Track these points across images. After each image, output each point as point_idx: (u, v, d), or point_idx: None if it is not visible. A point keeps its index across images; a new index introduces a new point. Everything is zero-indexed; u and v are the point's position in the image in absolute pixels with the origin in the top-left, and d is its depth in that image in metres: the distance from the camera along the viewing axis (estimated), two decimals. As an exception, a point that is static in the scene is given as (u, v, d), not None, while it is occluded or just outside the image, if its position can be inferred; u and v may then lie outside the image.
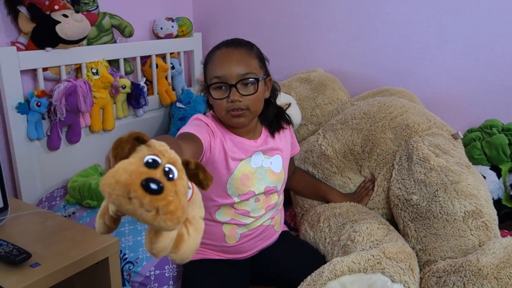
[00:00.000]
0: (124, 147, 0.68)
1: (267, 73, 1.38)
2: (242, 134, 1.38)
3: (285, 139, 1.50)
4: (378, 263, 1.18)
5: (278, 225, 1.52)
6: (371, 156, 1.62)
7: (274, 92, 1.48)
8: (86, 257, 1.25)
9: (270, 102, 1.44)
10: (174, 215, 0.65)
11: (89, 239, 1.33)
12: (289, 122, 1.52)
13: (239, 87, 1.27)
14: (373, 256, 1.20)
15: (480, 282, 1.09)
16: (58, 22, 1.82)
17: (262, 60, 1.37)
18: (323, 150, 1.70)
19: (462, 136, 1.64)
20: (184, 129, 1.23)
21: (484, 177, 1.74)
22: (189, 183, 0.75)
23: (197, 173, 0.72)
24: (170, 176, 0.67)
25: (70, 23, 1.84)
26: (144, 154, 0.67)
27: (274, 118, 1.45)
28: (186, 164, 0.72)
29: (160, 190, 0.64)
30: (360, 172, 1.65)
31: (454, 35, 2.04)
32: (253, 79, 1.29)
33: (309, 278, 1.22)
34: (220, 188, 1.35)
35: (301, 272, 1.28)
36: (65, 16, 1.84)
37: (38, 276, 1.15)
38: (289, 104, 1.99)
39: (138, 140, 0.69)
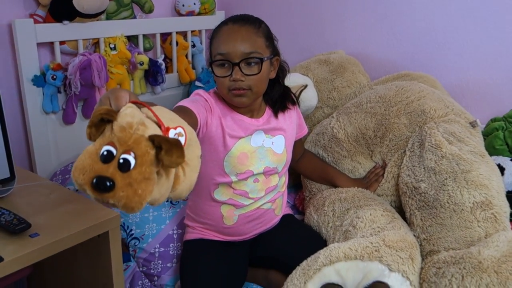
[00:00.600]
0: (92, 129, 0.75)
1: (274, 53, 1.34)
2: (243, 112, 1.35)
3: (290, 119, 1.46)
4: (376, 250, 1.14)
5: (279, 209, 1.49)
6: (383, 141, 1.57)
7: (283, 72, 1.43)
8: (86, 230, 1.26)
9: (276, 81, 1.40)
10: (128, 207, 0.70)
11: (91, 212, 1.33)
12: (294, 102, 1.48)
13: (242, 66, 1.24)
14: (372, 243, 1.16)
15: (479, 275, 1.04)
16: (75, -5, 1.83)
17: (269, 38, 1.33)
18: (334, 133, 1.66)
19: (480, 125, 1.57)
20: (181, 103, 1.21)
21: (504, 168, 1.67)
22: (181, 129, 0.78)
23: (160, 152, 0.72)
24: (125, 168, 0.70)
25: (87, -3, 1.84)
26: (102, 143, 0.71)
27: (278, 98, 1.42)
28: (152, 141, 0.73)
29: (110, 188, 0.69)
30: (371, 157, 1.60)
31: (482, 19, 1.94)
32: (257, 59, 1.25)
33: (304, 263, 1.19)
34: (217, 166, 1.33)
35: (300, 257, 1.25)
36: (83, -11, 1.84)
37: (36, 246, 1.15)
38: (306, 86, 1.96)
39: (103, 120, 0.73)
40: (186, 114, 1.14)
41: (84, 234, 1.26)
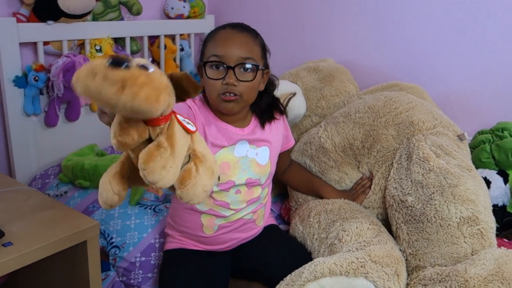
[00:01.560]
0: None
1: (266, 66, 1.33)
2: (229, 121, 1.32)
3: (277, 131, 1.43)
4: (361, 266, 1.12)
5: (260, 219, 1.46)
6: (370, 152, 1.55)
7: (272, 84, 1.42)
8: (62, 239, 1.22)
9: (265, 92, 1.38)
10: (141, 89, 0.61)
11: (69, 220, 1.29)
12: (282, 112, 1.45)
13: (237, 71, 1.21)
14: (358, 258, 1.14)
15: (465, 295, 1.02)
16: (60, -5, 1.79)
17: (264, 50, 1.32)
18: (322, 142, 1.64)
19: (468, 138, 1.55)
20: None
21: (490, 182, 1.66)
22: (191, 124, 0.76)
23: (184, 85, 0.71)
24: (143, 69, 0.65)
25: (73, -3, 1.80)
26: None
27: (266, 108, 1.39)
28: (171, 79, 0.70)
29: (126, 66, 0.63)
30: (358, 168, 1.58)
31: (472, 32, 1.94)
32: (253, 65, 1.23)
33: (288, 277, 1.16)
34: None
35: (283, 269, 1.23)
36: (68, -11, 1.80)
37: (8, 256, 1.11)
38: (294, 94, 1.93)
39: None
40: None
41: (60, 244, 1.22)
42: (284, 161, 1.56)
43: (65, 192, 1.84)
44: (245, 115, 1.36)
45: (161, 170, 0.69)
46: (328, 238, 1.35)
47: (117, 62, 0.63)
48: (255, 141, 1.36)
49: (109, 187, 0.77)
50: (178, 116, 0.77)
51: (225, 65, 1.21)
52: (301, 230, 1.48)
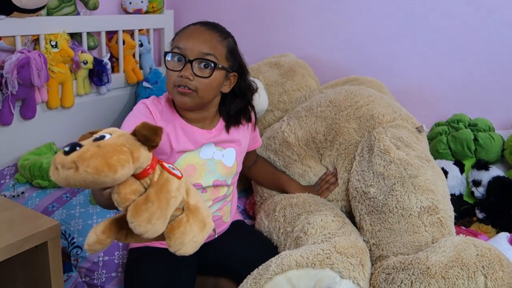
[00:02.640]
0: None
1: (234, 68, 1.30)
2: (195, 123, 1.31)
3: (244, 133, 1.42)
4: (327, 258, 1.14)
5: (227, 216, 1.46)
6: (333, 145, 1.57)
7: (250, 90, 1.41)
8: (21, 241, 1.18)
9: (239, 96, 1.37)
10: (90, 162, 0.68)
11: (28, 221, 1.25)
12: (249, 120, 1.44)
13: (194, 65, 1.20)
14: (323, 250, 1.16)
15: (428, 281, 1.06)
16: (13, -11, 1.72)
17: (232, 52, 1.29)
18: (285, 137, 1.65)
19: (426, 130, 1.60)
20: (126, 124, 1.21)
21: (447, 172, 1.72)
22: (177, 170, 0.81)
23: (144, 135, 0.75)
24: (100, 139, 0.73)
25: (26, -9, 1.74)
26: None
27: (235, 113, 1.37)
28: (134, 134, 0.76)
29: (78, 147, 0.70)
30: (320, 161, 1.60)
31: (426, 28, 2.00)
32: (211, 62, 1.21)
33: (255, 271, 1.17)
34: None
35: (251, 264, 1.23)
36: (21, -17, 1.74)
37: (-37, 259, 1.07)
38: (256, 89, 1.94)
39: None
40: None
41: (19, 246, 1.18)
42: (251, 158, 1.56)
43: (22, 193, 1.78)
44: (212, 117, 1.34)
45: (147, 223, 0.74)
46: (293, 232, 1.36)
47: (71, 147, 0.70)
48: (222, 143, 1.35)
49: (93, 233, 0.82)
50: (165, 164, 0.81)
51: (184, 58, 1.20)
52: (267, 225, 1.48)
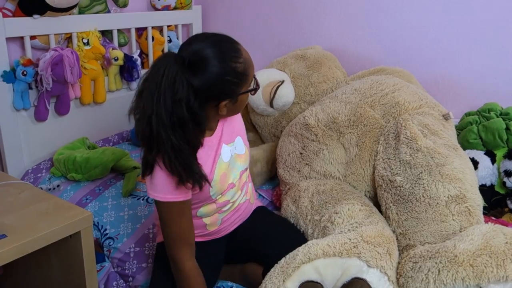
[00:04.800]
0: None
1: None
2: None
3: (235, 117, 1.39)
4: (354, 247, 1.14)
5: (252, 196, 1.48)
6: (356, 125, 1.55)
7: None
8: (56, 231, 1.22)
9: None
10: None
11: (62, 212, 1.29)
12: None
13: None
14: (350, 239, 1.16)
15: (455, 269, 1.04)
16: (46, -11, 1.78)
17: None
18: (306, 120, 1.66)
19: (453, 117, 1.57)
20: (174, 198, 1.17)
21: (478, 162, 1.68)
22: None
23: None
24: None
25: (58, -10, 1.80)
26: None
27: None
28: None
29: None
30: (338, 139, 1.57)
31: (456, 15, 1.95)
32: None
33: (282, 260, 1.18)
34: (204, 197, 1.27)
35: (278, 246, 1.26)
36: (53, -18, 1.80)
37: (3, 248, 1.12)
38: (282, 82, 1.95)
39: None
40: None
41: (54, 235, 1.22)
42: None
43: (58, 186, 1.84)
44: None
45: None
46: (321, 221, 1.37)
47: None
48: (228, 138, 1.33)
49: None
50: None
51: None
52: (294, 210, 1.49)
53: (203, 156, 1.22)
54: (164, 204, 1.16)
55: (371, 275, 1.13)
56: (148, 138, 1.08)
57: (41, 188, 1.82)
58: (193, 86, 1.08)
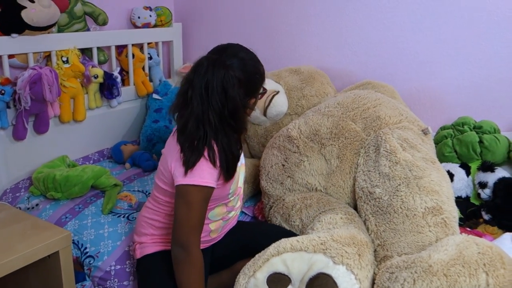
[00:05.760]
0: None
1: None
2: None
3: None
4: (322, 244, 1.18)
5: (239, 209, 1.55)
6: (338, 137, 1.59)
7: None
8: (34, 251, 1.22)
9: None
10: None
11: (40, 232, 1.29)
12: None
13: None
14: (319, 237, 1.20)
15: (430, 279, 1.06)
16: (24, 7, 1.78)
17: None
18: (288, 132, 1.69)
19: (432, 132, 1.62)
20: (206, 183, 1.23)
21: (453, 175, 1.72)
22: None
23: None
24: None
25: (37, 9, 1.80)
26: None
27: None
28: None
29: None
30: (319, 150, 1.60)
31: (431, 32, 2.01)
32: None
33: (256, 255, 1.23)
34: (223, 194, 1.34)
35: (273, 235, 1.31)
36: (32, 1, 1.80)
37: (-21, 269, 1.11)
38: (277, 92, 1.99)
39: None
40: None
41: (32, 255, 1.22)
42: None
43: (37, 205, 1.83)
44: None
45: None
46: (306, 230, 1.43)
47: None
48: None
49: None
50: None
51: None
52: (288, 229, 1.54)
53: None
54: (196, 188, 1.22)
55: (336, 272, 1.15)
56: (195, 132, 1.21)
57: (20, 208, 1.81)
58: (240, 79, 1.24)
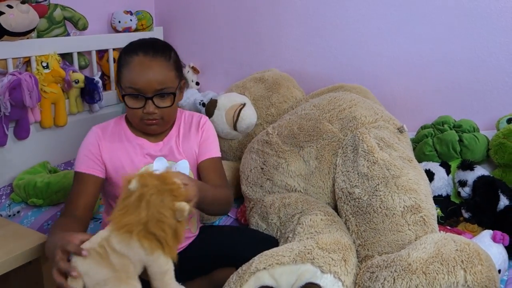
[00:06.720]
0: None
1: (181, 77, 1.35)
2: (146, 136, 1.34)
3: (196, 141, 1.40)
4: (308, 253, 1.17)
5: (194, 227, 1.45)
6: (316, 139, 1.60)
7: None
8: (15, 257, 1.20)
9: None
10: None
11: (22, 238, 1.28)
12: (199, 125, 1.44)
13: (155, 100, 1.24)
14: (305, 247, 1.20)
15: (409, 277, 1.08)
16: (2, 13, 1.77)
17: (179, 68, 1.32)
18: (266, 135, 1.71)
19: (407, 130, 1.64)
20: (77, 168, 1.31)
21: (434, 174, 1.74)
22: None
23: None
24: None
25: (15, 14, 1.79)
26: None
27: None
28: None
29: None
30: (298, 152, 1.61)
31: (411, 33, 2.04)
32: (170, 93, 1.27)
33: (239, 269, 1.20)
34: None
35: (251, 241, 1.34)
36: (10, 7, 1.79)
37: (-42, 276, 1.10)
38: (244, 104, 1.99)
39: None
40: (89, 183, 1.29)
41: (13, 261, 1.20)
42: (210, 176, 1.38)
43: (18, 212, 1.81)
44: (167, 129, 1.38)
45: None
46: (286, 233, 1.41)
47: None
48: (172, 155, 1.35)
49: None
50: None
51: (144, 96, 1.23)
52: (265, 228, 1.54)
53: (130, 152, 1.34)
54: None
55: (324, 280, 1.15)
56: None
57: (1, 215, 1.79)
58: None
